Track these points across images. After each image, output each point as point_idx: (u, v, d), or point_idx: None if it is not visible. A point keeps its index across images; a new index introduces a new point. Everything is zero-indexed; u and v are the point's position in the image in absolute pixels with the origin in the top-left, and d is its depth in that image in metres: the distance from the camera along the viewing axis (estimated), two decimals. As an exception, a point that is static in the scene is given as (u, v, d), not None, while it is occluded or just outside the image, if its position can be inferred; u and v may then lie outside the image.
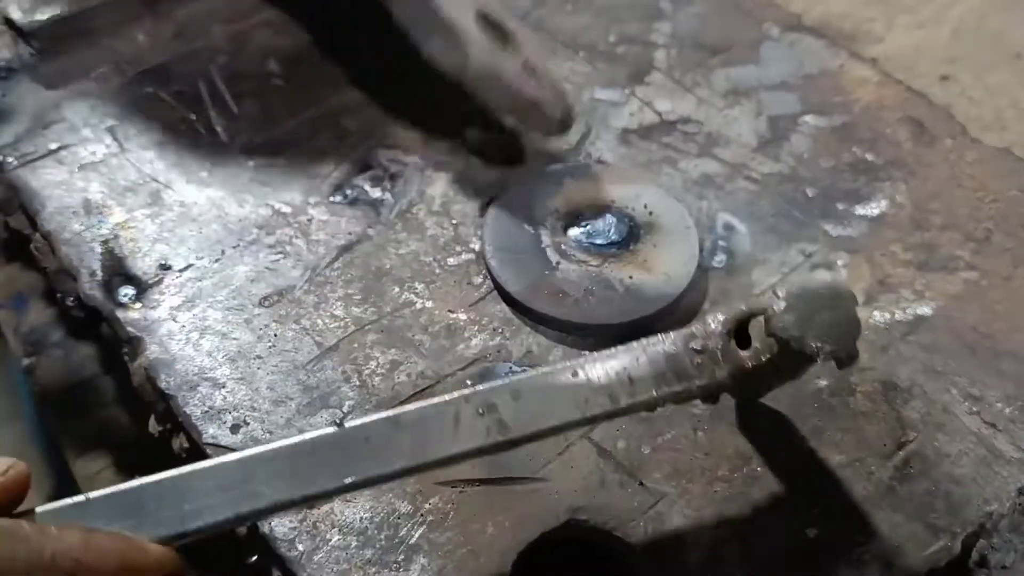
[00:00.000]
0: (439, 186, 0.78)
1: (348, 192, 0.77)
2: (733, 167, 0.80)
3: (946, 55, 1.11)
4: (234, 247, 0.73)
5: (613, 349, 0.55)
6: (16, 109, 0.82)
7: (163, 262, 0.72)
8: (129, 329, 0.68)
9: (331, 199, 0.77)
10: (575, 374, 0.53)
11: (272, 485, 0.49)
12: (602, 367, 0.54)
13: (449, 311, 0.70)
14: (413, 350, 0.68)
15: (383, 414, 0.51)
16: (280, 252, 0.73)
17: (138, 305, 0.70)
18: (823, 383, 0.67)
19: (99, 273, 0.71)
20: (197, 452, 0.63)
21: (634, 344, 0.55)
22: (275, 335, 0.68)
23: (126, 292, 0.70)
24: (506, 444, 0.52)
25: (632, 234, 0.73)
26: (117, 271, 0.72)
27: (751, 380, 0.56)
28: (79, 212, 0.75)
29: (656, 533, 0.59)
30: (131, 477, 0.85)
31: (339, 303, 0.70)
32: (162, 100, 0.83)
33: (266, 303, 0.70)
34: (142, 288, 0.71)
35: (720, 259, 0.74)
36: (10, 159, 0.78)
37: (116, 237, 0.74)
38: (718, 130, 0.83)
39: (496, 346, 0.68)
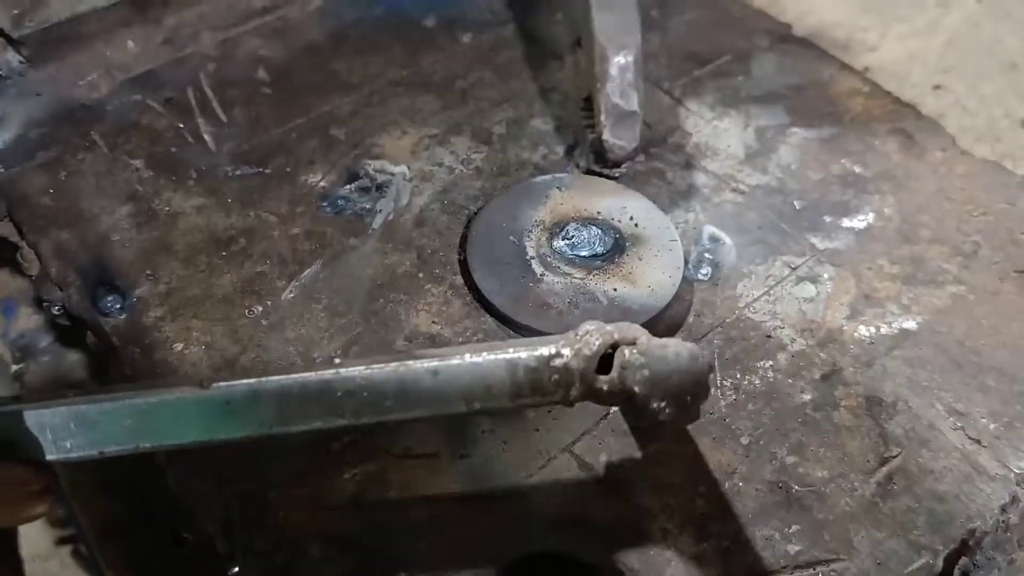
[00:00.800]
0: (425, 196, 0.78)
1: (339, 202, 0.77)
2: (720, 179, 0.80)
3: (940, 64, 1.11)
4: (220, 257, 0.73)
5: (478, 352, 0.53)
6: (5, 117, 0.82)
7: (149, 272, 0.72)
8: (113, 338, 0.68)
9: (318, 209, 0.77)
10: (435, 373, 0.53)
11: (123, 430, 0.52)
12: (466, 372, 0.53)
13: (433, 322, 0.70)
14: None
15: (247, 381, 0.52)
16: (266, 262, 0.73)
17: (123, 315, 0.69)
18: (807, 397, 0.67)
19: (84, 282, 0.71)
20: (179, 463, 0.63)
21: (499, 352, 0.53)
22: (259, 346, 0.68)
23: (111, 301, 0.70)
24: (365, 426, 0.53)
25: (617, 246, 0.72)
26: (103, 280, 0.71)
27: (610, 401, 0.55)
28: (66, 220, 0.75)
29: (637, 548, 0.59)
30: (120, 485, 0.85)
31: (323, 314, 0.70)
32: (151, 107, 0.83)
33: (251, 313, 0.70)
34: (127, 298, 0.70)
35: (706, 271, 0.74)
36: (-2, 166, 0.78)
37: (102, 245, 0.73)
38: (706, 141, 0.83)
39: (480, 358, 0.68)
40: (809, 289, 0.73)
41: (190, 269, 0.72)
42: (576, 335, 0.54)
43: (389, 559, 0.58)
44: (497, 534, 0.59)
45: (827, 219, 0.78)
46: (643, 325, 0.66)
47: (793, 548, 0.59)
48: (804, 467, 0.63)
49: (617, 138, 0.77)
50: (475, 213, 0.76)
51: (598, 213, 0.75)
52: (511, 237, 0.73)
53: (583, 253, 0.72)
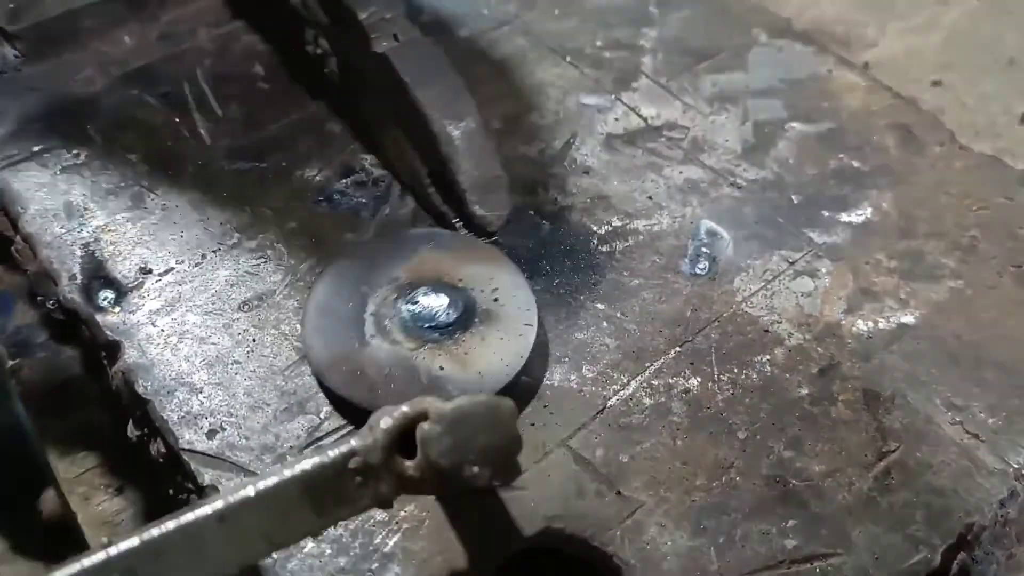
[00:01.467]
0: (422, 191, 0.78)
1: (335, 197, 0.77)
2: (718, 173, 0.80)
3: (938, 61, 1.11)
4: (215, 251, 0.73)
5: (259, 482, 0.47)
6: (1, 112, 0.82)
7: (143, 266, 0.72)
8: (108, 333, 0.68)
9: (314, 203, 0.76)
10: (221, 519, 0.46)
11: None
12: (255, 506, 0.46)
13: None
14: (392, 356, 0.67)
15: None
16: (261, 256, 0.73)
17: (117, 309, 0.69)
18: (804, 392, 0.66)
19: (79, 276, 0.71)
20: (173, 458, 0.63)
21: (284, 473, 0.47)
22: (254, 340, 0.68)
23: (105, 296, 0.70)
24: None
25: (462, 321, 0.65)
26: (97, 274, 0.71)
27: (425, 485, 0.50)
28: (60, 215, 0.75)
29: (633, 542, 0.59)
30: (117, 480, 0.85)
31: (319, 308, 0.70)
32: (147, 102, 0.83)
33: (246, 308, 0.70)
34: (121, 292, 0.70)
35: (703, 266, 0.73)
36: (-7, 161, 0.78)
37: (97, 240, 0.73)
38: (704, 136, 0.83)
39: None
40: (807, 283, 0.73)
41: (186, 263, 0.72)
42: (369, 427, 0.49)
43: (382, 554, 0.58)
44: (494, 529, 0.59)
45: (825, 214, 0.77)
46: None
47: (790, 543, 0.59)
48: (801, 462, 0.63)
49: (489, 210, 0.72)
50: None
51: (460, 281, 0.68)
52: (362, 288, 0.67)
53: (423, 323, 0.65)
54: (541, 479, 0.61)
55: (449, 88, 0.74)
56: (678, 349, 0.68)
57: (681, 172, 0.80)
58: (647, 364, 0.67)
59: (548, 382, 0.66)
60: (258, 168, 0.79)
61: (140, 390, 0.65)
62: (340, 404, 0.63)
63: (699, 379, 0.67)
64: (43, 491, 2.18)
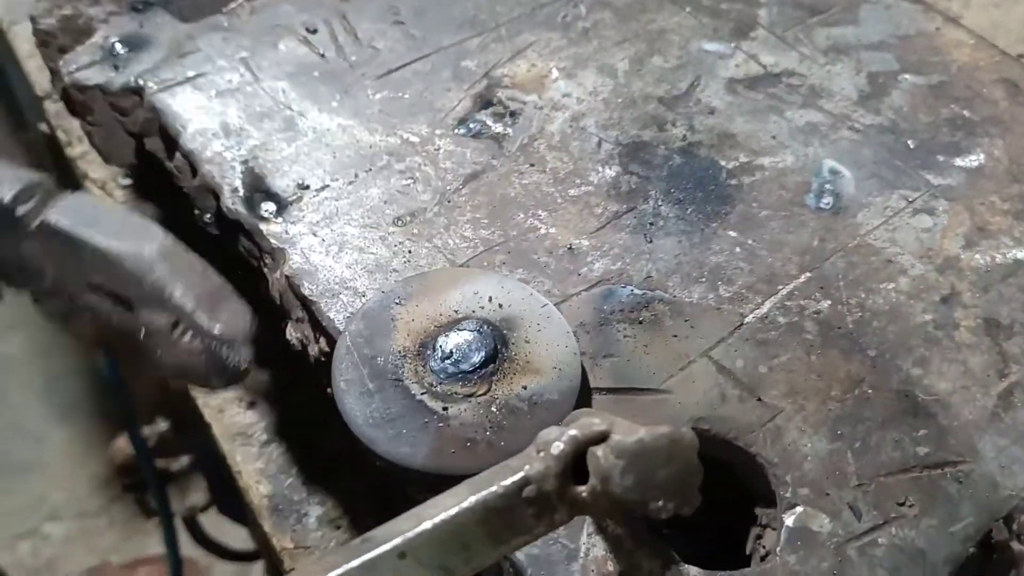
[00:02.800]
0: (557, 123, 0.82)
1: (471, 126, 0.81)
2: (836, 118, 0.84)
3: (1021, 34, 1.13)
4: (367, 171, 0.78)
5: (435, 513, 0.46)
6: (153, 39, 0.87)
7: (301, 182, 0.76)
8: (272, 241, 0.73)
9: (456, 131, 0.81)
10: (402, 556, 0.45)
11: None
12: (429, 541, 0.46)
13: (572, 236, 0.74)
14: (539, 271, 0.72)
15: None
16: (410, 178, 0.77)
17: (279, 220, 0.74)
18: (928, 317, 0.70)
19: (241, 190, 0.76)
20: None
21: (457, 504, 0.46)
22: (409, 251, 0.72)
23: (267, 207, 0.74)
24: None
25: (499, 339, 0.63)
26: (258, 188, 0.76)
27: (598, 509, 0.49)
28: (219, 134, 0.79)
29: (775, 444, 0.63)
30: (249, 395, 0.89)
31: (468, 225, 0.74)
32: (293, 34, 0.87)
33: (399, 223, 0.74)
34: (282, 205, 0.75)
35: (827, 201, 0.77)
36: (150, 84, 0.83)
37: (255, 158, 0.78)
38: (820, 84, 0.87)
39: (618, 271, 0.72)
40: (926, 220, 0.76)
41: (340, 181, 0.77)
42: (538, 450, 0.47)
43: (544, 444, 0.62)
44: (644, 424, 0.63)
45: (940, 158, 0.81)
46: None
47: (922, 450, 0.63)
48: (929, 379, 0.67)
49: (227, 322, 0.61)
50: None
51: (455, 311, 0.65)
52: (390, 380, 0.62)
53: (471, 363, 0.62)
54: (686, 385, 0.66)
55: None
56: (808, 274, 0.72)
57: (801, 115, 0.84)
58: (779, 287, 0.71)
59: (688, 299, 0.70)
60: (401, 98, 0.83)
61: (306, 292, 0.70)
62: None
63: (829, 302, 0.71)
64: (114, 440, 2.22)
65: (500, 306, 0.65)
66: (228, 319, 0.58)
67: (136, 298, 0.58)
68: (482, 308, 0.65)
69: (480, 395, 0.61)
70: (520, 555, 0.57)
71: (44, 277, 0.60)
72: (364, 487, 0.86)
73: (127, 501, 2.79)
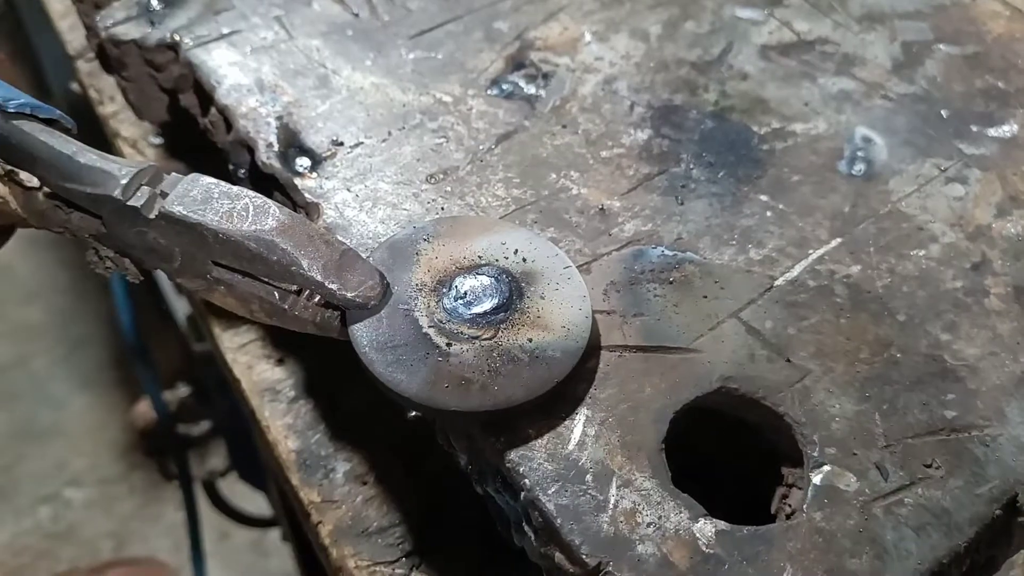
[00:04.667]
0: (589, 86, 0.82)
1: (504, 87, 0.82)
2: (869, 86, 0.84)
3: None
4: (400, 129, 0.78)
5: None
6: (187, -5, 0.87)
7: (335, 138, 0.77)
8: (306, 195, 0.73)
9: (488, 92, 0.81)
10: None
11: None
12: None
13: (603, 197, 0.74)
14: (570, 230, 0.72)
15: None
16: (443, 136, 0.78)
17: (313, 175, 0.75)
18: (958, 284, 0.70)
19: (275, 145, 0.76)
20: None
21: None
22: (442, 208, 0.73)
23: (302, 163, 0.75)
24: None
25: (515, 290, 0.64)
26: (292, 143, 0.77)
27: None
28: (253, 90, 0.80)
29: (803, 404, 0.63)
30: (278, 352, 0.91)
31: (500, 184, 0.75)
32: (326, -7, 0.88)
33: (432, 180, 0.75)
34: (317, 160, 0.76)
35: (859, 168, 0.77)
36: (186, 40, 0.83)
37: (290, 114, 0.79)
38: (854, 52, 0.86)
39: (648, 231, 0.72)
40: (958, 189, 0.76)
41: (373, 138, 0.77)
42: None
43: (574, 399, 0.63)
44: (671, 384, 0.64)
45: (973, 128, 0.81)
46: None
47: (950, 413, 0.63)
48: (958, 344, 0.67)
49: (354, 288, 0.62)
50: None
51: (479, 257, 0.66)
52: (399, 311, 0.63)
53: (483, 308, 0.63)
54: (715, 344, 0.66)
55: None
56: (839, 239, 0.72)
57: (834, 83, 0.84)
58: (810, 251, 0.72)
59: (718, 261, 0.71)
60: (434, 58, 0.84)
61: (339, 247, 0.70)
62: (455, 416, 0.61)
63: (859, 267, 0.71)
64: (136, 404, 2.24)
65: (524, 260, 0.66)
66: (357, 283, 0.61)
67: (263, 273, 0.60)
68: (506, 259, 0.66)
69: (485, 339, 0.62)
70: (551, 505, 0.58)
71: (174, 258, 0.62)
72: (389, 444, 0.87)
73: (147, 468, 2.83)
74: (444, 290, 0.64)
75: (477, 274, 0.64)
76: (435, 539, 0.82)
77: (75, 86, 1.19)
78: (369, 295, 0.61)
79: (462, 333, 0.62)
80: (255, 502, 2.13)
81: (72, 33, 1.18)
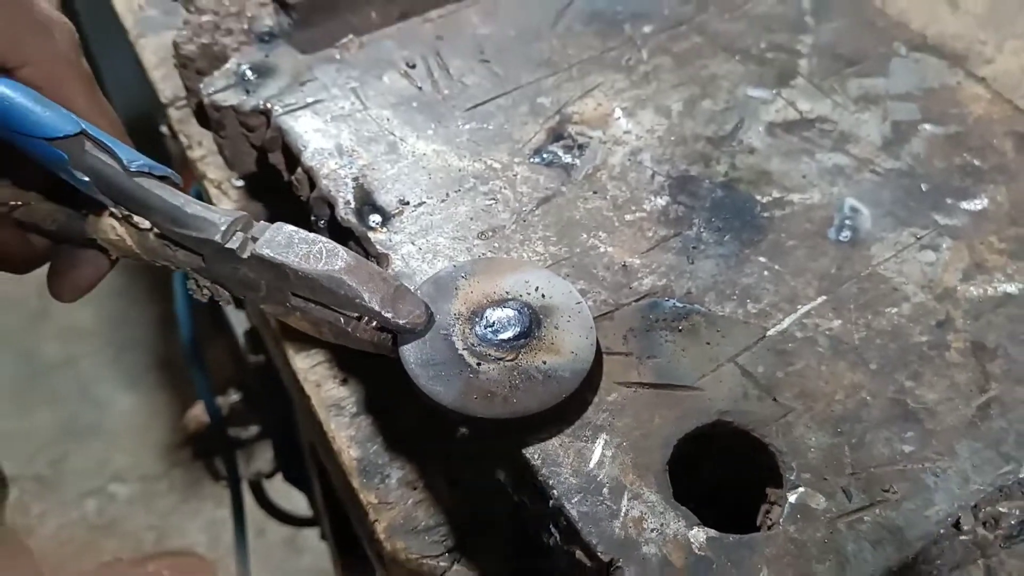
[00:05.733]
0: (618, 156, 0.96)
1: (545, 156, 0.96)
2: (860, 161, 0.97)
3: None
4: (456, 191, 0.93)
5: None
6: (278, 68, 1.02)
7: (402, 198, 0.92)
8: (377, 247, 0.88)
9: (531, 160, 0.95)
10: None
11: None
12: None
13: (626, 255, 0.88)
14: (597, 283, 0.86)
15: None
16: (492, 198, 0.92)
17: (384, 230, 0.89)
18: (924, 339, 0.83)
19: (352, 202, 0.91)
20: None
21: None
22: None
23: (374, 219, 0.90)
24: None
25: (534, 321, 0.77)
26: (366, 202, 0.91)
27: None
28: (333, 153, 0.95)
29: (785, 436, 0.77)
30: (343, 373, 1.05)
31: (539, 242, 0.89)
32: (395, 68, 1.03)
33: (483, 236, 0.89)
34: (386, 216, 0.90)
35: (846, 235, 0.90)
36: (276, 107, 0.99)
37: (364, 176, 0.93)
38: (849, 129, 1.00)
39: (663, 286, 0.86)
40: (930, 255, 0.89)
41: (434, 199, 0.92)
42: None
43: (595, 426, 0.77)
44: (677, 415, 0.77)
45: (948, 201, 0.94)
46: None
47: (908, 448, 0.76)
48: (920, 390, 0.80)
49: (405, 316, 0.75)
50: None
51: (506, 292, 0.79)
52: (441, 335, 0.76)
53: (507, 335, 0.76)
54: (715, 384, 0.80)
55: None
56: (824, 297, 0.85)
57: (830, 158, 0.97)
58: (799, 306, 0.85)
59: (721, 313, 0.84)
60: (486, 129, 0.98)
61: (405, 292, 0.85)
62: (482, 421, 0.74)
63: (840, 321, 0.84)
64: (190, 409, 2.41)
65: (543, 296, 0.80)
66: (407, 312, 0.75)
67: (332, 303, 0.75)
68: (528, 295, 0.80)
69: (508, 360, 0.75)
70: (574, 512, 0.72)
71: (260, 289, 0.76)
72: (435, 456, 1.01)
73: (187, 467, 2.98)
74: (476, 319, 0.76)
75: (504, 307, 0.77)
76: (473, 536, 0.96)
77: (165, 130, 1.35)
78: (417, 322, 0.76)
79: (490, 355, 0.75)
80: (292, 502, 2.27)
81: (164, 83, 1.34)
